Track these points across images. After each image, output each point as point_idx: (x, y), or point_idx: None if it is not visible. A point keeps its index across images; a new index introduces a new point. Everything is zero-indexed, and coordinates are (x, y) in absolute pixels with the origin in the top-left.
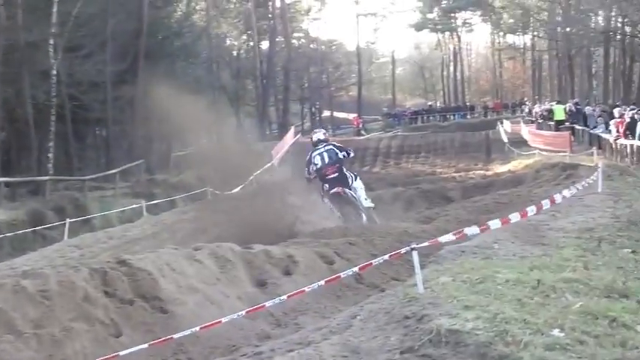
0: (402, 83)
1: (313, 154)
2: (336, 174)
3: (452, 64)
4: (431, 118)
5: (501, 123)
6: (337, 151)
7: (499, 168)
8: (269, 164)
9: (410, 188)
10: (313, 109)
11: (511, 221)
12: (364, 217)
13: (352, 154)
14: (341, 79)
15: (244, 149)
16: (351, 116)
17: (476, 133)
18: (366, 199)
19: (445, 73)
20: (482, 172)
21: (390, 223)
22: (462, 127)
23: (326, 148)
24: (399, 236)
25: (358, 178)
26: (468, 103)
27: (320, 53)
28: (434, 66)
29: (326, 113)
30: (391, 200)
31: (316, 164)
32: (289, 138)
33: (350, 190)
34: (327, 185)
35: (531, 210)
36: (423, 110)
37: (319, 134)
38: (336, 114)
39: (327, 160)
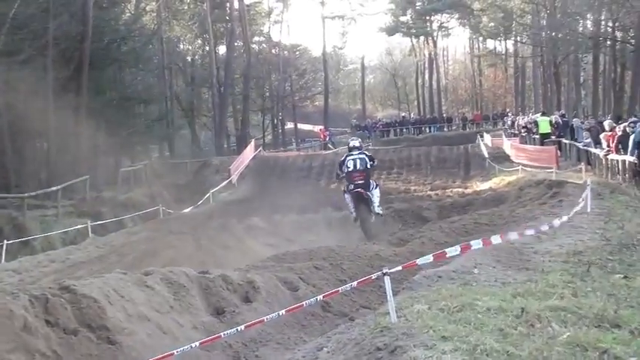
0: (372, 92)
1: (347, 159)
2: (362, 181)
3: (427, 71)
4: (404, 130)
5: (481, 136)
6: (367, 160)
7: (479, 185)
8: (227, 181)
9: (386, 209)
10: (275, 121)
11: (492, 243)
12: (372, 218)
13: (376, 164)
14: (306, 87)
15: (199, 164)
16: (317, 128)
17: (454, 148)
18: (378, 206)
19: (420, 81)
20: (460, 189)
21: (360, 246)
22: (438, 140)
23: (359, 156)
24: (370, 260)
25: (378, 187)
26: (444, 115)
27: (283, 59)
28: (407, 74)
29: (289, 125)
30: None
31: (348, 167)
32: (249, 152)
33: (369, 193)
34: (351, 186)
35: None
36: (396, 122)
37: (355, 142)
38: (301, 126)
39: (358, 166)
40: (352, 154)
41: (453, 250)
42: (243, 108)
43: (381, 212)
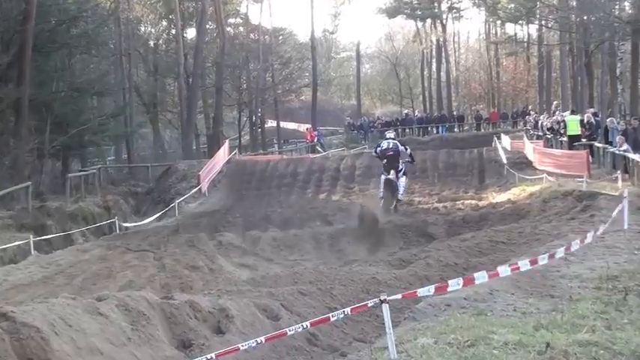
0: (369, 85)
1: (382, 142)
2: (392, 153)
3: (435, 61)
4: (407, 130)
5: (499, 138)
6: (399, 145)
7: (495, 197)
8: (196, 189)
9: (386, 223)
10: (254, 118)
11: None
12: (394, 203)
13: (409, 151)
14: (290, 79)
15: (163, 169)
16: (304, 127)
17: (465, 151)
18: (401, 194)
19: (426, 72)
20: (473, 201)
21: (354, 268)
22: (447, 143)
23: (393, 141)
24: (366, 284)
25: (405, 176)
26: (455, 113)
27: (263, 45)
28: (411, 63)
29: (271, 123)
30: (355, 237)
31: (381, 147)
32: (222, 155)
33: (398, 182)
34: (385, 161)
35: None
36: (397, 121)
37: (391, 133)
38: (284, 124)
39: (391, 146)
40: (387, 139)
41: (454, 284)
42: (215, 103)
43: (403, 199)
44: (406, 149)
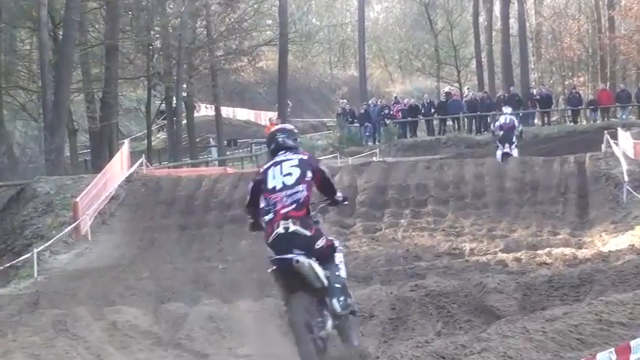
0: (382, 43)
1: (500, 116)
2: (510, 126)
3: (498, 0)
4: (449, 123)
5: (614, 137)
6: (515, 119)
7: (608, 242)
8: (70, 228)
9: (403, 286)
10: (175, 102)
11: None
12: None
13: (520, 128)
14: (240, 30)
15: (12, 193)
16: (265, 118)
17: (554, 161)
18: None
19: (482, 19)
20: (568, 250)
21: None
22: (522, 145)
23: (510, 116)
24: None
25: (517, 149)
26: (535, 91)
27: None
28: (456, 5)
29: (206, 111)
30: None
31: (500, 121)
32: (119, 168)
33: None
34: (502, 132)
35: None
36: (432, 106)
37: (508, 109)
38: (230, 112)
39: (508, 121)
40: (505, 113)
41: None
42: (105, 75)
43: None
44: (519, 125)
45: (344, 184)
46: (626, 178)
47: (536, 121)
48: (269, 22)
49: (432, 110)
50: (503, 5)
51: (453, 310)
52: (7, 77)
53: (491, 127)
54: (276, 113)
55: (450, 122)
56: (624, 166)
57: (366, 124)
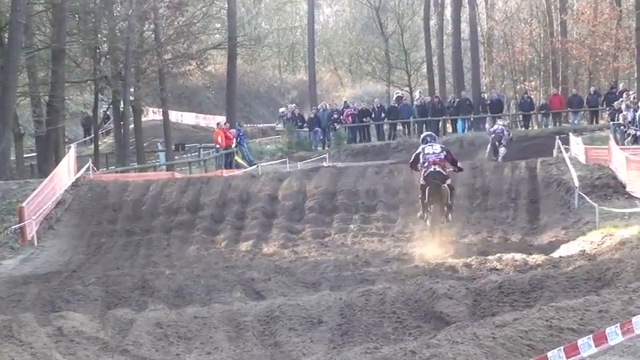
0: (332, 47)
1: (494, 125)
2: (498, 135)
3: (450, 1)
4: (400, 128)
5: (565, 142)
6: (505, 130)
7: (559, 248)
8: (14, 232)
9: (352, 292)
10: (123, 106)
11: None
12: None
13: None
14: (188, 34)
15: None
16: (213, 123)
17: (505, 166)
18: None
19: (434, 22)
20: (518, 256)
21: None
22: (471, 150)
23: (502, 127)
24: None
25: (504, 146)
26: (486, 96)
27: None
28: (407, 7)
29: (154, 115)
30: (304, 320)
31: (493, 128)
32: (65, 173)
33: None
34: (492, 136)
35: None
36: (383, 110)
37: (500, 121)
38: (177, 115)
39: (498, 130)
40: (495, 124)
41: None
42: (52, 78)
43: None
44: (508, 133)
45: (293, 190)
46: (576, 184)
47: (486, 125)
48: (218, 25)
49: (383, 115)
50: (454, 9)
51: (403, 315)
52: None
53: (487, 129)
54: (224, 119)
55: (400, 127)
56: (573, 172)
57: (316, 128)
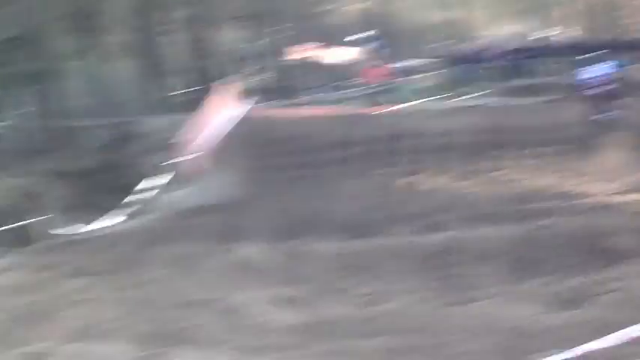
0: None
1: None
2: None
3: None
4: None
5: None
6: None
7: None
8: (174, 160)
9: (518, 226)
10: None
11: None
12: None
13: None
14: None
15: (114, 131)
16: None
17: None
18: None
19: None
20: None
21: (482, 309)
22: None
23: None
24: (505, 339)
25: None
26: None
27: None
28: None
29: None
30: (472, 255)
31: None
32: (225, 108)
33: None
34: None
35: None
36: (536, 48)
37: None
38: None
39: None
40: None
41: None
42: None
43: None
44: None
45: (454, 126)
46: None
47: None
48: None
49: (537, 53)
50: None
51: (574, 250)
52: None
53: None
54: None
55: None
56: None
57: (469, 66)
